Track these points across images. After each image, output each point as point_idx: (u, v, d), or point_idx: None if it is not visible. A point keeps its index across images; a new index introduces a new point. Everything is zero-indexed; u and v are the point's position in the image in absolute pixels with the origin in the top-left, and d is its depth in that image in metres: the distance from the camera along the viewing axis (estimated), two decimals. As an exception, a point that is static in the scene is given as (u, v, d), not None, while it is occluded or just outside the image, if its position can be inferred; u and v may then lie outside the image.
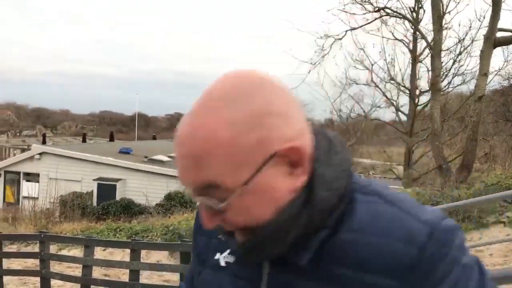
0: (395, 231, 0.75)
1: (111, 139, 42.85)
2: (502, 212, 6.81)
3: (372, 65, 15.95)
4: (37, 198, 21.09)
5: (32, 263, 7.89)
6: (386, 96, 15.90)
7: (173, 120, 74.74)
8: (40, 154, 21.84)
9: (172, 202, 16.90)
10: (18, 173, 22.38)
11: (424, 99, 15.57)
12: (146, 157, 22.27)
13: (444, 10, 13.40)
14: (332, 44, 13.75)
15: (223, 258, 0.88)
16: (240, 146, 0.71)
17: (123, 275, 7.38)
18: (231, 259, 0.86)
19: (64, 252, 8.43)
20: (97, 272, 7.56)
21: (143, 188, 20.03)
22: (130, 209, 17.43)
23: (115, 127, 64.33)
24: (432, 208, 0.84)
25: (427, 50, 14.83)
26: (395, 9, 14.28)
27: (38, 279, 7.09)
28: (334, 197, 0.76)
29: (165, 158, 22.68)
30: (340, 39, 13.77)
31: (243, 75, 0.76)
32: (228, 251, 0.87)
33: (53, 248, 8.86)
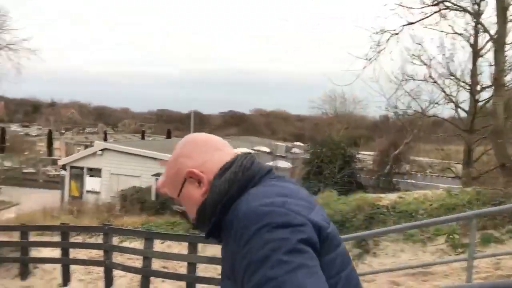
0: (234, 211, 1.20)
1: (168, 136, 44.08)
2: None
3: (430, 60, 15.41)
4: (99, 192, 22.20)
5: (96, 254, 8.31)
6: (445, 92, 15.32)
7: (227, 117, 75.77)
8: (102, 150, 22.85)
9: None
10: (82, 168, 23.50)
11: (485, 95, 14.91)
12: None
13: (509, 2, 12.73)
14: (388, 39, 13.44)
15: None
16: (172, 176, 1.34)
17: (181, 268, 7.64)
18: None
19: (125, 244, 8.82)
20: (156, 264, 7.87)
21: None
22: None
23: (172, 125, 66.02)
24: (272, 200, 1.18)
25: (489, 44, 14.16)
26: (455, 2, 13.74)
27: (101, 269, 7.50)
28: (218, 197, 1.25)
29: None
30: (397, 34, 13.43)
31: (188, 137, 1.41)
32: None
33: (114, 240, 9.31)
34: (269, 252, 1.08)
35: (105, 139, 39.44)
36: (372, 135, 30.06)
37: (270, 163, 23.01)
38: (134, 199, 18.71)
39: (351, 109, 40.78)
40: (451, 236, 6.92)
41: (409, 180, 16.89)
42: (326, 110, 42.51)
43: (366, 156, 20.93)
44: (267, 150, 29.93)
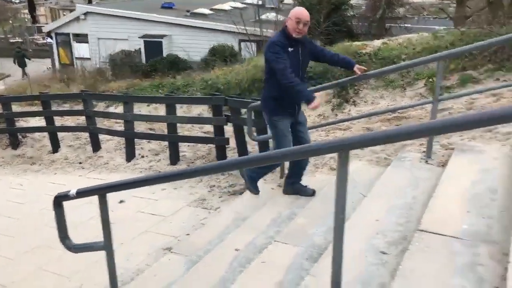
0: None
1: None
2: (553, 49, 6.25)
3: None
4: (90, 58, 21.82)
5: (83, 120, 8.44)
6: None
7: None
8: (85, 14, 21.89)
9: (216, 56, 16.95)
10: (68, 34, 22.79)
11: None
12: (188, 11, 21.78)
13: None
14: None
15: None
16: None
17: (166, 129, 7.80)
18: None
19: (111, 109, 8.88)
20: (143, 126, 8.02)
21: (188, 43, 20.03)
22: (177, 65, 17.66)
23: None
24: None
25: None
26: None
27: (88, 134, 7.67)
28: None
29: (207, 11, 22.12)
30: None
31: None
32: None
33: (102, 106, 9.39)
34: None
35: (90, 1, 37.43)
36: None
37: (261, 17, 22.06)
38: (123, 63, 18.47)
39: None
40: (430, 80, 6.86)
41: (402, 25, 16.25)
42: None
43: (360, 0, 19.93)
44: (260, 2, 28.49)
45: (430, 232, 2.88)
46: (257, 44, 19.20)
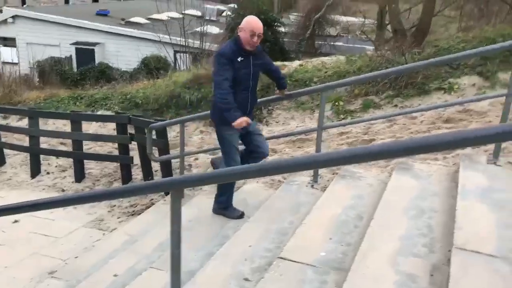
0: None
1: (94, -1, 40.53)
2: (446, 78, 6.75)
3: None
4: (17, 63, 20.88)
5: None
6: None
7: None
8: (13, 17, 21.01)
9: (148, 67, 16.81)
10: (-6, 37, 21.77)
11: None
12: (123, 19, 21.45)
13: None
14: None
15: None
16: None
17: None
18: None
19: (20, 123, 8.53)
20: (55, 141, 7.78)
21: (121, 52, 19.71)
22: (107, 74, 17.30)
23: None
24: None
25: None
26: None
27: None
28: None
29: (143, 21, 21.90)
30: None
31: None
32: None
33: (15, 118, 9.01)
34: None
35: (23, 3, 35.96)
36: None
37: (198, 29, 22.10)
38: (52, 71, 17.86)
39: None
40: (336, 103, 7.18)
41: (332, 43, 16.86)
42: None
43: (295, 18, 20.48)
44: (199, 14, 28.54)
45: (288, 260, 3.03)
46: (193, 56, 19.20)
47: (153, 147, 5.31)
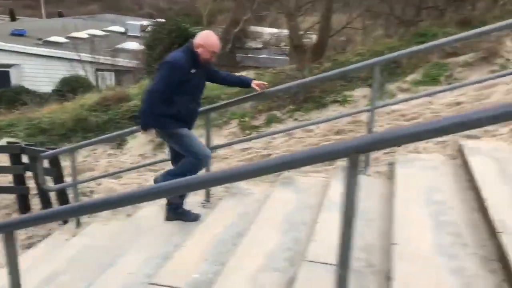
0: None
1: (13, 18, 38.82)
2: (340, 91, 7.12)
3: None
4: None
5: None
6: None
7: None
8: None
9: (69, 87, 16.31)
10: None
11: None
12: (40, 39, 20.75)
13: None
14: None
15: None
16: None
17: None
18: None
19: None
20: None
21: (40, 73, 19.03)
22: (24, 97, 16.61)
23: (19, 2, 57.41)
24: None
25: None
26: None
27: None
28: None
29: (62, 40, 21.29)
30: None
31: None
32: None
33: None
34: None
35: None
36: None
37: (120, 46, 21.77)
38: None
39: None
40: (242, 120, 7.35)
41: (252, 56, 17.20)
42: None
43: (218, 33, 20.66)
44: (122, 30, 28.15)
45: (158, 285, 3.08)
46: (115, 73, 18.85)
47: (48, 176, 5.20)
